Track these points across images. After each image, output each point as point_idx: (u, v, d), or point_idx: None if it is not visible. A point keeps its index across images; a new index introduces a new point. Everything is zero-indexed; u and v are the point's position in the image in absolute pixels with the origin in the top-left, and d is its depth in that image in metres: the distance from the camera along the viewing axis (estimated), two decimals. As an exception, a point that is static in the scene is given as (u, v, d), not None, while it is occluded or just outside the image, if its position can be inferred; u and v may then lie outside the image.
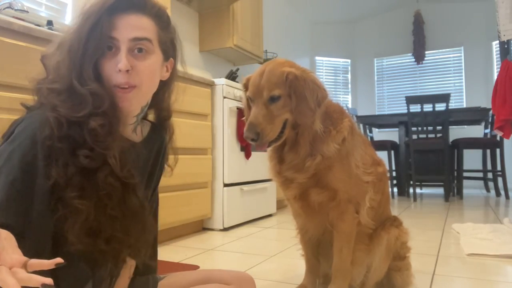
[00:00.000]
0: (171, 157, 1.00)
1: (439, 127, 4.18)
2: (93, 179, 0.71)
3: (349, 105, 6.56)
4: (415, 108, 4.36)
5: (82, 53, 0.74)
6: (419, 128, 4.28)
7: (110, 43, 0.76)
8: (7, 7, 1.82)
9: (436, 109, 4.14)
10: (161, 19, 0.84)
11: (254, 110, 1.10)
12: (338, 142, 1.14)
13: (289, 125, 1.13)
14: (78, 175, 0.70)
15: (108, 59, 0.77)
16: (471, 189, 5.33)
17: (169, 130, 0.98)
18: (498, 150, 4.43)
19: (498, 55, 5.40)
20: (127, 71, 0.76)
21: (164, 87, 0.91)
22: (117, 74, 0.77)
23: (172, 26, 0.88)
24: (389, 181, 1.37)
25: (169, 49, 0.87)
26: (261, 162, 3.01)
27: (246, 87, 1.18)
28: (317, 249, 1.36)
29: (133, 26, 0.78)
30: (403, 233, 1.31)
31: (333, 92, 6.73)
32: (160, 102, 0.93)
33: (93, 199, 0.71)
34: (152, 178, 0.97)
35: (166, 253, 2.04)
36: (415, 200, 4.21)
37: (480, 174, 4.90)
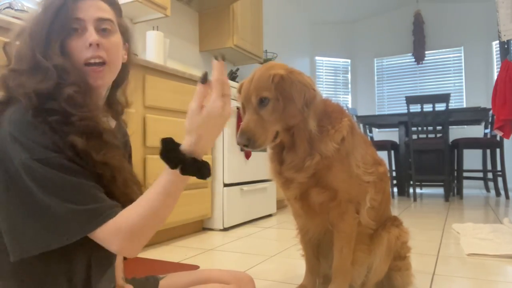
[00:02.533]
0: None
1: (439, 127, 4.18)
2: (100, 139, 0.75)
3: (349, 105, 6.57)
4: (415, 108, 4.36)
5: (47, 33, 0.76)
6: (419, 128, 4.28)
7: (76, 24, 0.79)
8: (7, 7, 1.82)
9: (436, 109, 4.14)
10: (116, 7, 0.88)
11: (246, 116, 1.11)
12: (337, 142, 1.14)
13: (282, 129, 1.13)
14: (91, 139, 0.73)
15: (76, 39, 0.79)
16: (471, 189, 5.33)
17: (127, 127, 1.01)
18: (498, 150, 4.43)
19: (498, 55, 5.40)
20: (97, 45, 0.79)
21: (125, 70, 0.93)
22: (87, 49, 0.79)
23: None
24: (389, 181, 1.37)
25: (125, 33, 0.90)
26: (261, 162, 3.01)
27: (239, 93, 1.18)
28: (317, 249, 1.35)
29: (97, 7, 0.81)
30: (403, 232, 1.31)
31: (333, 92, 6.73)
32: (118, 91, 0.94)
33: (115, 153, 0.77)
34: None
35: (166, 253, 2.04)
36: (415, 200, 4.21)
37: (480, 174, 4.90)
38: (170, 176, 0.71)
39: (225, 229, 2.67)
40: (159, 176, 0.73)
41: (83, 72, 0.78)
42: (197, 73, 2.98)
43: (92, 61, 0.79)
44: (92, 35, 0.78)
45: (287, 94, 1.08)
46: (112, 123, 0.90)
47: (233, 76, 3.55)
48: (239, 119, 2.78)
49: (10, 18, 1.58)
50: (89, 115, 0.74)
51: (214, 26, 3.57)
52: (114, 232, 0.69)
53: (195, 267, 1.74)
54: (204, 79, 0.70)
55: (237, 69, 3.71)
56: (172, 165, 0.70)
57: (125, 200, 0.76)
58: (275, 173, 1.21)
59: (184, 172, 0.71)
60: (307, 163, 1.12)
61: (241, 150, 1.01)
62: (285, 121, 1.11)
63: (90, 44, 0.78)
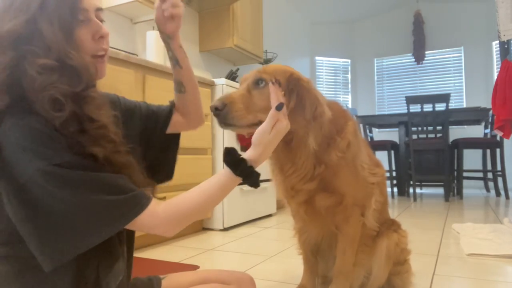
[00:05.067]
0: None
1: (439, 127, 4.18)
2: (114, 143, 0.75)
3: (349, 105, 6.57)
4: (415, 108, 4.36)
5: (64, 28, 0.72)
6: (419, 128, 4.28)
7: (82, 15, 0.76)
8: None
9: (436, 109, 4.14)
10: None
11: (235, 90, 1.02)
12: (343, 150, 1.10)
13: None
14: (106, 145, 0.72)
15: (83, 31, 0.76)
16: (471, 189, 5.33)
17: None
18: (498, 150, 4.43)
19: (498, 55, 5.40)
20: (103, 37, 0.79)
21: None
22: (97, 41, 0.78)
23: None
24: (387, 182, 1.36)
25: None
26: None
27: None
28: (315, 248, 1.35)
29: None
30: (402, 237, 1.30)
31: (333, 92, 6.73)
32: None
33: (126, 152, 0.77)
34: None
35: (166, 253, 2.04)
36: (415, 200, 4.20)
37: (480, 174, 4.90)
38: (230, 177, 0.81)
39: (225, 229, 2.67)
40: (217, 174, 0.82)
41: (92, 67, 0.76)
42: (197, 73, 2.98)
43: (100, 53, 0.79)
44: (103, 27, 0.78)
45: (301, 97, 1.01)
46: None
47: (233, 76, 3.55)
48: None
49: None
50: (104, 122, 0.72)
51: (214, 26, 3.57)
52: (164, 218, 0.74)
53: (195, 267, 1.74)
54: (279, 108, 0.85)
55: (237, 69, 3.71)
56: (239, 173, 0.80)
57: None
58: (284, 191, 1.17)
59: (245, 181, 0.82)
60: (316, 172, 1.10)
61: (213, 113, 0.93)
62: None
63: (102, 37, 0.78)
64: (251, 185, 0.83)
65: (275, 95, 0.88)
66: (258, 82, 1.00)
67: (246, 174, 0.81)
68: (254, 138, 0.84)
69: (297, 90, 1.02)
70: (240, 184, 0.82)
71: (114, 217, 0.69)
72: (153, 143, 1.02)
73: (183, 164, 2.35)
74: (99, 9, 0.80)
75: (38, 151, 0.65)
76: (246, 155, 0.83)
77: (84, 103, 0.71)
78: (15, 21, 0.69)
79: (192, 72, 1.01)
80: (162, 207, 0.75)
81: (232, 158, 0.81)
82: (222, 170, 0.82)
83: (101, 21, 0.81)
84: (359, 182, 1.16)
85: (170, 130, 1.05)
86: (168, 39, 0.95)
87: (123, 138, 0.78)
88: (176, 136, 1.07)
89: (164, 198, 1.13)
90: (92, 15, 0.78)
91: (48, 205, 0.65)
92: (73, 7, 0.74)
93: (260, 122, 0.90)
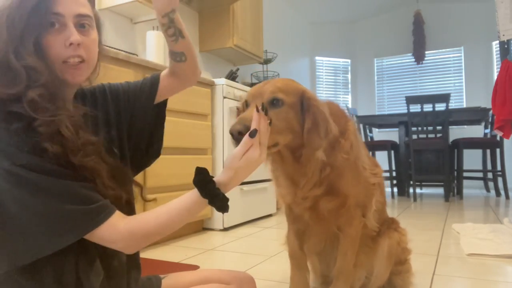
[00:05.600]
0: None
1: (439, 127, 4.18)
2: (70, 141, 0.73)
3: (349, 105, 6.57)
4: (415, 108, 4.36)
5: (23, 28, 0.72)
6: (419, 128, 4.28)
7: (54, 19, 0.75)
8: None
9: (436, 109, 4.14)
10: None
11: (249, 109, 0.97)
12: (347, 151, 1.11)
13: (283, 143, 1.02)
14: (58, 142, 0.70)
15: (54, 36, 0.76)
16: (471, 189, 5.33)
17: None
18: (498, 150, 4.43)
19: (498, 55, 5.40)
20: (78, 44, 0.77)
21: (96, 63, 0.91)
22: (67, 48, 0.76)
23: None
24: (386, 183, 1.36)
25: (98, 25, 0.88)
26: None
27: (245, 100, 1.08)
28: (318, 249, 1.33)
29: (76, 2, 0.78)
30: (403, 236, 1.30)
31: (333, 92, 6.73)
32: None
33: (94, 153, 0.75)
34: (121, 123, 0.96)
35: (166, 253, 2.04)
36: (415, 200, 4.20)
37: (480, 174, 4.90)
38: (197, 199, 0.79)
39: (225, 229, 2.67)
40: (185, 195, 0.80)
41: (60, 70, 0.76)
42: (197, 73, 2.98)
43: (72, 60, 0.77)
44: (73, 34, 0.76)
45: (315, 115, 1.00)
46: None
47: (233, 76, 3.55)
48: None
49: None
50: (49, 120, 0.71)
51: (214, 26, 3.57)
52: (124, 233, 0.73)
53: (195, 267, 1.74)
54: (253, 135, 0.81)
55: (237, 69, 3.71)
56: (204, 195, 0.78)
57: (112, 195, 0.76)
58: (293, 196, 1.14)
59: (212, 203, 0.79)
60: (323, 175, 1.09)
61: (233, 139, 0.88)
62: (294, 135, 1.02)
63: (71, 44, 0.76)
64: (218, 209, 0.80)
65: (256, 122, 0.82)
66: (273, 102, 0.98)
67: (213, 196, 0.78)
68: (225, 161, 0.83)
69: (312, 110, 1.01)
70: (210, 204, 0.80)
71: (69, 227, 0.68)
72: (144, 117, 1.00)
73: (183, 164, 2.36)
74: (79, 15, 0.78)
75: (4, 150, 0.66)
76: (216, 177, 0.81)
77: (25, 103, 0.70)
78: None
79: (189, 39, 0.98)
80: (124, 222, 0.74)
81: (200, 178, 0.80)
82: (190, 191, 0.80)
83: (83, 26, 0.79)
84: (361, 183, 1.16)
85: (162, 96, 1.03)
86: (173, 14, 0.92)
87: (103, 141, 0.78)
88: (163, 109, 1.06)
89: (154, 200, 1.13)
90: (68, 21, 0.76)
91: (7, 206, 0.66)
92: (46, 11, 0.73)
93: (278, 144, 0.95)
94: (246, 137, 0.81)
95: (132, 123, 0.98)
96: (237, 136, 0.85)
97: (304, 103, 1.01)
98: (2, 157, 0.66)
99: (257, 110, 0.82)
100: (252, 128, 0.81)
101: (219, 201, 0.79)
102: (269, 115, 0.91)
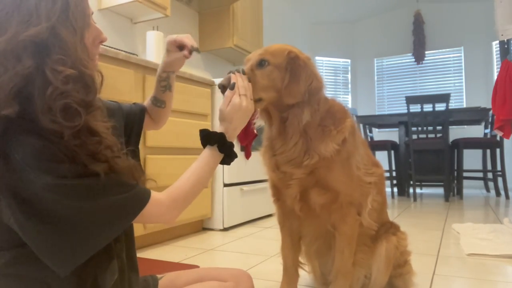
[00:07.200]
0: None
1: (439, 127, 4.18)
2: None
3: (349, 105, 6.57)
4: (415, 108, 4.36)
5: (78, 33, 0.71)
6: (419, 128, 4.28)
7: (90, 19, 0.78)
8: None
9: (436, 109, 4.14)
10: None
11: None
12: (338, 143, 1.11)
13: (268, 100, 1.09)
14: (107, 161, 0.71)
15: (88, 35, 0.76)
16: (471, 189, 5.33)
17: None
18: (498, 150, 4.43)
19: (498, 55, 5.41)
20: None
21: None
22: (96, 46, 0.80)
23: None
24: (385, 184, 1.35)
25: None
26: (261, 162, 3.01)
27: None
28: (314, 246, 1.33)
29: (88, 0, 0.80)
30: (402, 240, 1.29)
31: (333, 92, 6.73)
32: None
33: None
34: None
35: (166, 253, 2.04)
36: (415, 200, 4.21)
37: (480, 174, 4.90)
38: (210, 151, 0.90)
39: (225, 229, 2.67)
40: (199, 156, 0.90)
41: (97, 74, 0.75)
42: (197, 73, 2.98)
43: (96, 58, 0.80)
44: (103, 33, 0.80)
45: (295, 72, 1.08)
46: None
47: (233, 76, 3.56)
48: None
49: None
50: (102, 135, 0.71)
51: (214, 26, 3.57)
52: (169, 203, 0.79)
53: (195, 267, 1.73)
54: (232, 87, 0.97)
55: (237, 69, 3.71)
56: (213, 142, 0.90)
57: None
58: (272, 167, 1.19)
59: (221, 148, 0.90)
60: (305, 161, 1.10)
61: (220, 90, 1.04)
62: (279, 94, 1.08)
63: (101, 42, 0.80)
64: (228, 153, 0.92)
65: (234, 79, 0.99)
66: (261, 63, 1.10)
67: (220, 142, 0.90)
68: (218, 117, 0.97)
69: (291, 65, 1.08)
70: (221, 152, 0.91)
71: (123, 213, 0.71)
72: (130, 139, 1.08)
73: (183, 163, 2.36)
74: (92, 13, 0.80)
75: (43, 166, 0.64)
76: (217, 129, 0.94)
77: (90, 113, 0.69)
78: (37, 27, 0.66)
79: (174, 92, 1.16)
80: (163, 194, 0.79)
81: (204, 133, 0.92)
82: (204, 150, 0.91)
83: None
84: (353, 181, 1.16)
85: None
86: (173, 73, 1.12)
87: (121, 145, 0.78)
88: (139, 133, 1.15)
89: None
90: (92, 20, 0.78)
91: (59, 214, 0.66)
92: (85, 13, 0.74)
93: (262, 100, 1.07)
94: (227, 91, 0.97)
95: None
96: (222, 89, 1.02)
97: (287, 61, 1.09)
98: (42, 173, 0.64)
99: (233, 73, 1.01)
100: (231, 82, 0.98)
101: (226, 146, 0.91)
102: (255, 73, 1.09)
